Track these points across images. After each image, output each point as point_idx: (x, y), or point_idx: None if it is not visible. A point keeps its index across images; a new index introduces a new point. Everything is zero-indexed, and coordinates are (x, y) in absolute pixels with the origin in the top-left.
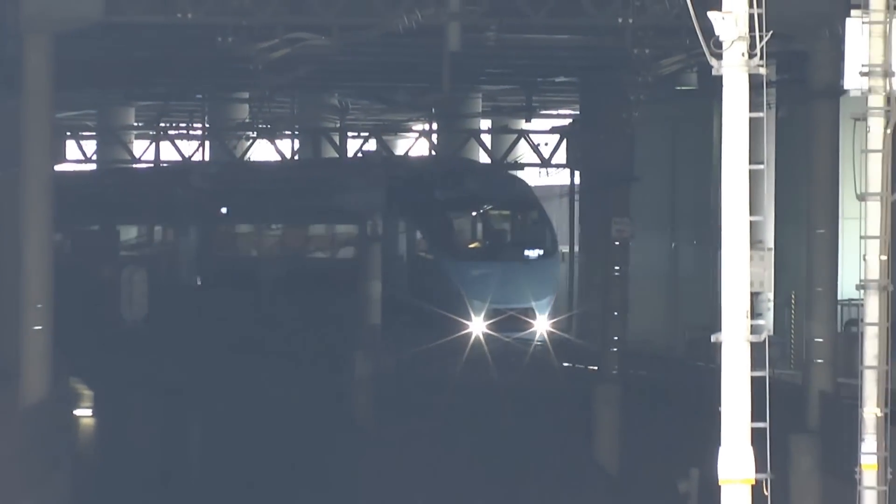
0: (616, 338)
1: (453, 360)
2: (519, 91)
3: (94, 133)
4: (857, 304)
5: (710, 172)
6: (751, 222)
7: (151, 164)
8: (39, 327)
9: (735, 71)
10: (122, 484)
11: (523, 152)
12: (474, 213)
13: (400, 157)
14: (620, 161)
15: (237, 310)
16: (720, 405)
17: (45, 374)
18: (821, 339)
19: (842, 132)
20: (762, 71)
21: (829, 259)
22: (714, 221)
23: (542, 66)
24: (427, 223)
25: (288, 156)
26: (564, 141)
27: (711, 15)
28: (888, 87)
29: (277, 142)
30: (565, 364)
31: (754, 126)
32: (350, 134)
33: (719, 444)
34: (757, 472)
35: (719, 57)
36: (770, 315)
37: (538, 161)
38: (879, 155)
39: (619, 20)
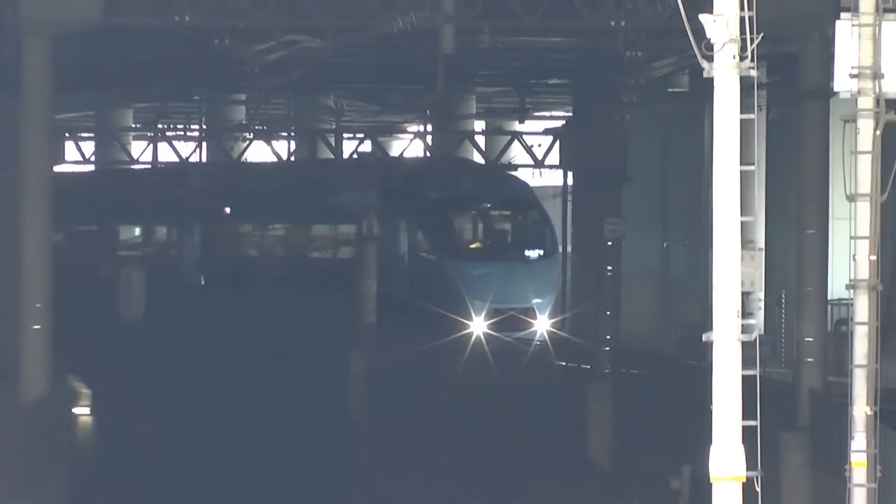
0: (608, 336)
1: (453, 359)
2: (512, 93)
3: (92, 134)
4: (847, 304)
5: (701, 173)
6: (742, 222)
7: (149, 165)
8: (38, 326)
9: (726, 73)
10: (120, 481)
11: (517, 153)
12: (475, 214)
13: (395, 158)
14: (613, 162)
15: (236, 309)
16: (711, 403)
17: (44, 373)
18: (811, 338)
19: (832, 133)
20: (753, 73)
21: (819, 259)
22: (705, 221)
23: (536, 68)
24: (428, 223)
25: (284, 157)
26: (557, 142)
27: (703, 18)
28: (877, 89)
29: (274, 143)
30: (565, 363)
31: (745, 127)
32: (346, 135)
33: (710, 442)
34: (748, 469)
35: (711, 59)
36: (761, 314)
37: (531, 162)
38: (869, 156)
39: (612, 23)
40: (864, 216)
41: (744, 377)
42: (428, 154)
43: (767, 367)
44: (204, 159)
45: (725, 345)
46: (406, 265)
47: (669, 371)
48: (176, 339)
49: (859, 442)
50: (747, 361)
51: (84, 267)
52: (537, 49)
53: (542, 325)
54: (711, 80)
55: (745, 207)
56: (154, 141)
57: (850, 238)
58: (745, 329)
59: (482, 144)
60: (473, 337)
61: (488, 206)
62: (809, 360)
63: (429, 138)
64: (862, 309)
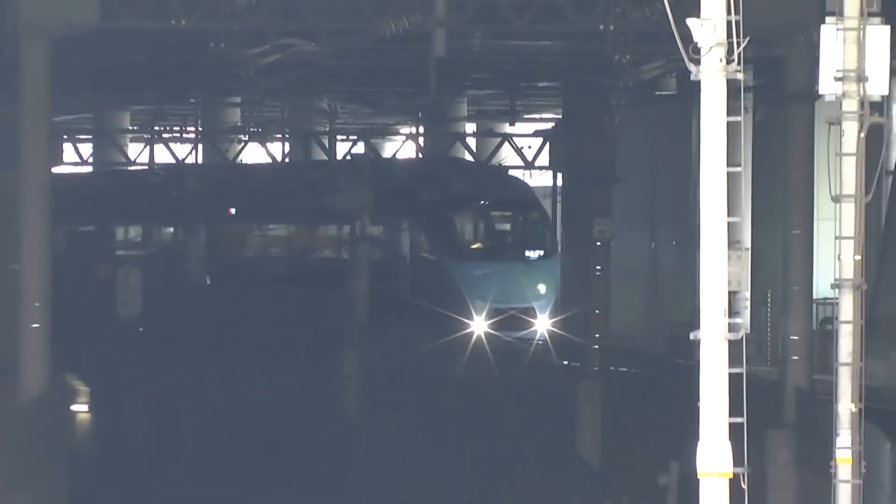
0: (597, 335)
1: (449, 357)
2: (503, 95)
3: (90, 136)
4: (832, 303)
5: (689, 174)
6: (728, 223)
7: (146, 166)
8: (37, 325)
9: (713, 76)
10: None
11: (507, 155)
12: (476, 214)
13: (396, 159)
14: (602, 163)
15: (235, 307)
16: (699, 401)
17: (43, 371)
18: (796, 337)
19: (817, 135)
20: (739, 76)
21: (805, 259)
22: (693, 222)
23: (526, 71)
24: (429, 224)
25: (279, 158)
26: (547, 144)
27: (690, 21)
28: (861, 92)
29: (268, 144)
30: (567, 362)
31: (732, 129)
32: (339, 137)
33: (698, 439)
34: (735, 465)
35: (698, 62)
36: (747, 313)
37: (522, 163)
38: (853, 158)
39: (601, 27)
40: (848, 217)
41: (730, 375)
42: (420, 156)
43: (754, 366)
44: (200, 161)
45: (712, 343)
46: (408, 265)
47: (658, 369)
48: (174, 338)
49: (844, 439)
50: (734, 360)
51: (83, 266)
52: (527, 52)
53: (543, 324)
54: (698, 82)
55: (732, 208)
56: (150, 143)
57: (835, 238)
58: (732, 328)
59: (473, 146)
60: (474, 336)
61: (489, 206)
62: (795, 358)
63: (421, 140)
64: (847, 308)
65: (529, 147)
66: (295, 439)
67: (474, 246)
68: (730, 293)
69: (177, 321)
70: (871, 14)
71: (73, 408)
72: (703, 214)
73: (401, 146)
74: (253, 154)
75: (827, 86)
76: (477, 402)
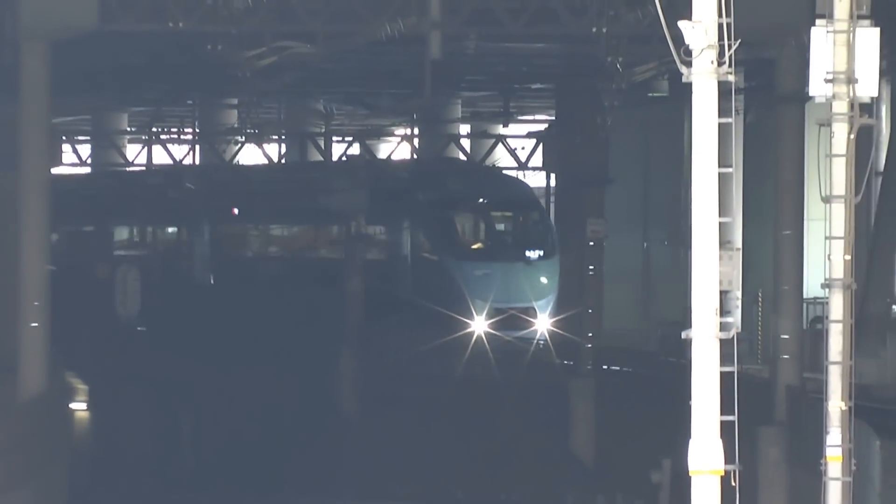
0: (591, 334)
1: (453, 357)
2: (497, 97)
3: (88, 137)
4: (823, 302)
5: (681, 175)
6: (720, 223)
7: (144, 167)
8: (36, 324)
9: (704, 78)
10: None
11: (501, 156)
12: (477, 215)
13: (389, 160)
14: (595, 164)
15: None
16: (691, 399)
17: (42, 369)
18: (787, 336)
19: (807, 137)
20: (731, 78)
21: (795, 259)
22: (685, 222)
23: (520, 73)
24: (430, 224)
25: (275, 159)
26: (541, 145)
27: (682, 24)
28: (851, 94)
29: (265, 145)
30: (568, 362)
31: (723, 131)
32: (335, 138)
33: (690, 437)
34: (726, 463)
35: (689, 65)
36: (738, 312)
37: (515, 164)
38: (843, 159)
39: (594, 29)
40: (838, 217)
41: (722, 373)
42: (415, 156)
43: (745, 364)
44: (197, 162)
45: (704, 342)
46: (409, 265)
47: (650, 368)
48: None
49: (835, 436)
50: (725, 358)
51: (80, 266)
52: (521, 55)
53: (543, 324)
54: (690, 84)
55: (724, 209)
56: (148, 144)
57: (825, 238)
58: (723, 327)
59: (468, 147)
60: (475, 336)
61: (489, 206)
62: (786, 356)
63: (416, 141)
64: (837, 307)
65: (523, 148)
66: (291, 437)
67: (475, 246)
68: (721, 293)
69: (180, 320)
70: (860, 16)
71: (72, 406)
72: (695, 215)
73: (396, 147)
74: (250, 155)
75: (817, 88)
76: (475, 401)
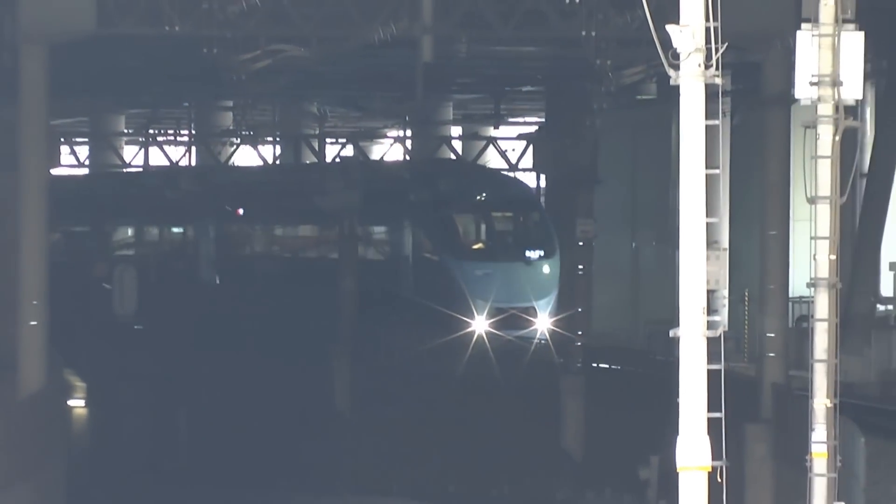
0: (580, 332)
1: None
2: (488, 99)
3: (86, 139)
4: (808, 301)
5: (668, 176)
6: (707, 223)
7: (141, 168)
8: (35, 322)
9: (692, 81)
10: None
11: (492, 157)
12: (477, 215)
13: (375, 161)
14: (584, 165)
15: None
16: (678, 396)
17: (41, 367)
18: (773, 334)
19: (793, 139)
20: (717, 81)
21: (781, 258)
22: (672, 222)
23: (510, 76)
24: (432, 225)
25: (270, 160)
26: (531, 146)
27: (670, 28)
28: (836, 97)
29: (260, 147)
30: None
31: (710, 133)
32: (328, 140)
33: (677, 433)
34: (713, 459)
35: (677, 67)
36: (725, 311)
37: (506, 165)
38: (828, 161)
39: (583, 33)
40: (823, 218)
41: (709, 371)
42: (414, 158)
43: (732, 362)
44: (193, 163)
45: (692, 340)
46: (410, 265)
47: (639, 366)
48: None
49: (820, 433)
50: (712, 356)
51: (79, 266)
52: (512, 58)
53: (543, 323)
54: (678, 87)
55: (711, 209)
56: (145, 145)
57: (811, 238)
58: (711, 325)
59: (459, 149)
60: (475, 335)
61: (490, 207)
62: (772, 354)
63: (408, 143)
64: (822, 306)
65: (513, 150)
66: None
67: (476, 246)
68: (708, 292)
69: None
70: (845, 21)
71: (70, 403)
72: (683, 215)
73: (388, 148)
74: (255, 156)
75: (803, 90)
76: (472, 400)
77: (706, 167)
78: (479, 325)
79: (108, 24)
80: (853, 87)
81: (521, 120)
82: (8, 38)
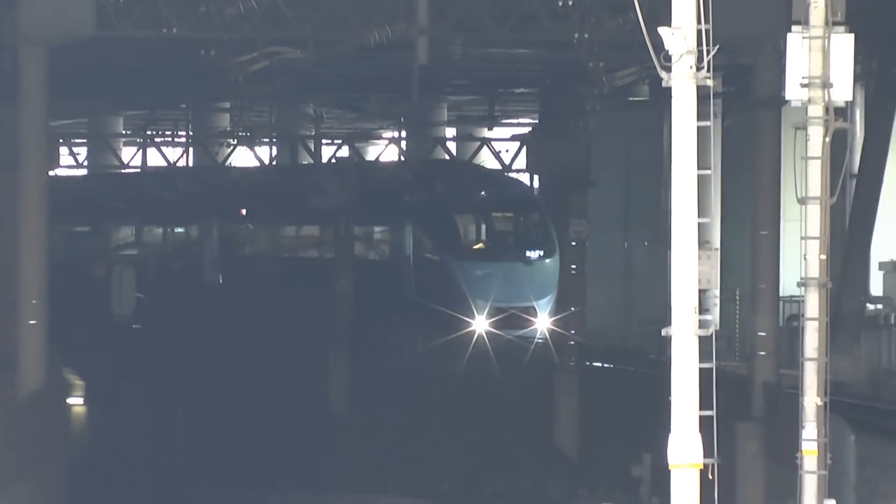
0: (573, 332)
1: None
2: (482, 101)
3: (85, 140)
4: (798, 301)
5: (661, 177)
6: (699, 224)
7: (139, 169)
8: (34, 322)
9: (684, 83)
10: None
11: (486, 158)
12: (478, 216)
13: (371, 162)
14: (577, 166)
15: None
16: (670, 395)
17: (40, 366)
18: (764, 333)
19: (783, 140)
20: (709, 83)
21: (772, 258)
22: (664, 223)
23: (504, 78)
24: (432, 225)
25: (266, 161)
26: (524, 147)
27: (662, 30)
28: (826, 98)
29: (257, 148)
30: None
31: (702, 134)
32: (325, 141)
33: (670, 431)
34: (705, 457)
35: (669, 70)
36: (717, 310)
37: (500, 166)
38: (819, 161)
39: (576, 35)
40: (814, 218)
41: (701, 370)
42: (412, 159)
43: (723, 361)
44: (190, 164)
45: (683, 339)
46: (411, 265)
47: (631, 364)
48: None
49: (810, 431)
50: (704, 355)
51: (77, 265)
52: (506, 60)
53: (543, 323)
54: (670, 89)
55: (702, 209)
56: (143, 146)
57: (801, 238)
58: (702, 324)
59: (453, 150)
60: (475, 335)
61: (490, 207)
62: (762, 353)
63: (403, 144)
64: (812, 305)
65: (507, 151)
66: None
67: (476, 246)
68: (700, 291)
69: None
70: (835, 23)
71: (70, 401)
72: (675, 215)
73: (384, 149)
74: (242, 157)
75: (793, 92)
76: (471, 399)
77: (698, 168)
78: (480, 324)
79: (106, 27)
80: (843, 89)
81: (514, 121)
82: (7, 39)
